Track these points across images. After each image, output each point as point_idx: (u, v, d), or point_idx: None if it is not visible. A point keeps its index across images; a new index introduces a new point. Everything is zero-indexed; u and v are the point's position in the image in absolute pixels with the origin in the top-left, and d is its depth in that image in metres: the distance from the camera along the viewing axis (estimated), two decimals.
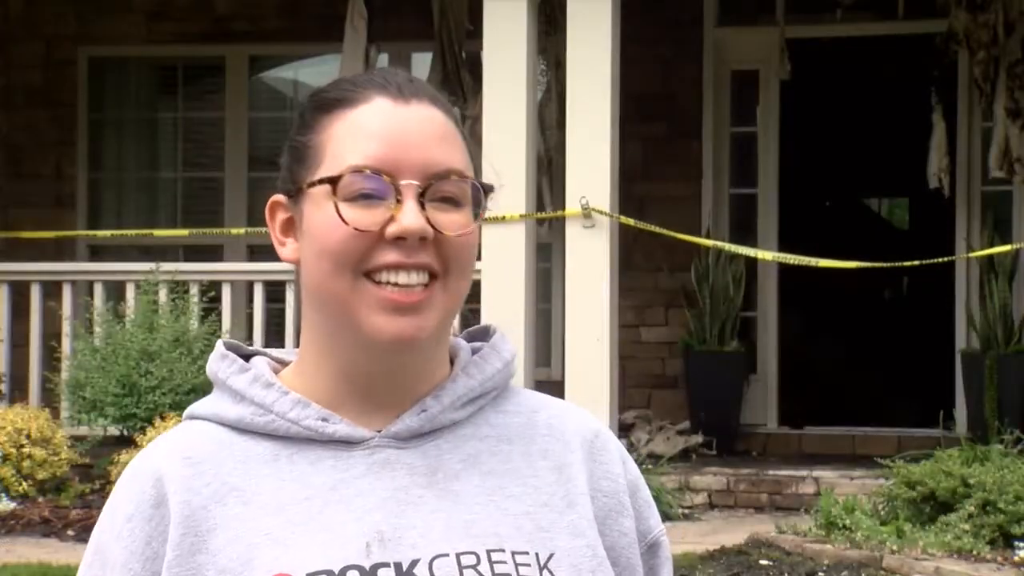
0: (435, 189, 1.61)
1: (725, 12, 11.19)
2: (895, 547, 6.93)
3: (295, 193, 1.66)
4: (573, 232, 8.23)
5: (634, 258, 10.64)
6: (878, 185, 16.68)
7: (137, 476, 1.64)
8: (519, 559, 1.60)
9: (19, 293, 9.86)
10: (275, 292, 9.50)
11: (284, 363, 1.73)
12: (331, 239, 1.60)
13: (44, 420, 8.59)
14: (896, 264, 9.22)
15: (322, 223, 1.61)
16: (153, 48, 11.80)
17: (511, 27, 8.32)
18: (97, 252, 11.62)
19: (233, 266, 10.24)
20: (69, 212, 11.69)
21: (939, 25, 10.50)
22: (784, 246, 10.67)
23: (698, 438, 10.21)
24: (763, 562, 7.00)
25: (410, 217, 1.59)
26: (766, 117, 11.11)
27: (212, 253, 11.31)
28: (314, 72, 12.05)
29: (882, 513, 7.63)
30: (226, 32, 11.65)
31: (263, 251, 11.49)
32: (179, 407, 8.66)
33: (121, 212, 11.98)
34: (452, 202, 1.62)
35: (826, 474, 9.06)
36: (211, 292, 9.43)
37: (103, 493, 8.24)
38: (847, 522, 7.34)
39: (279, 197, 1.69)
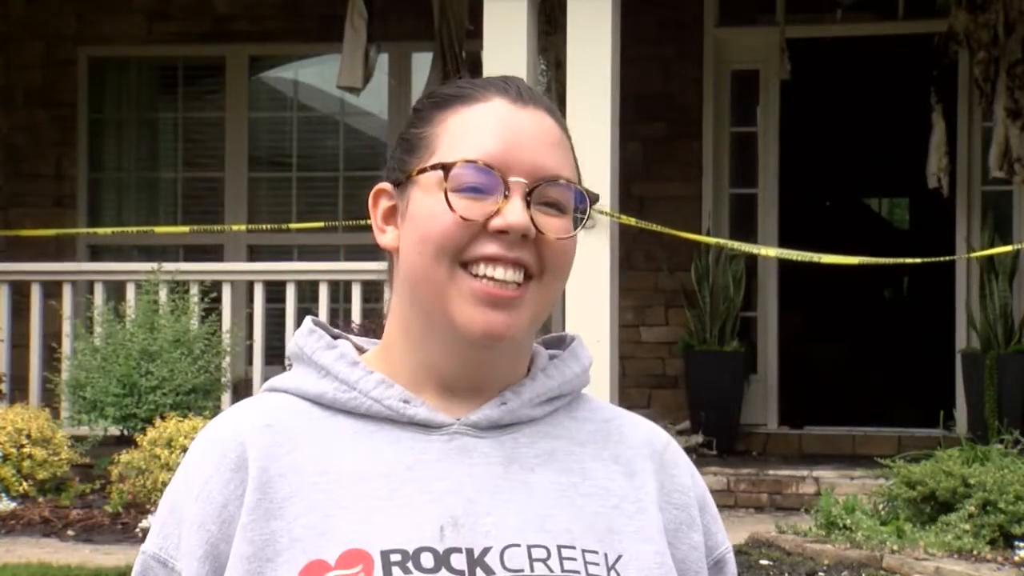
0: (542, 191, 1.64)
1: (725, 12, 11.19)
2: (895, 547, 6.94)
3: (403, 181, 1.68)
4: None
5: (634, 258, 10.64)
6: (878, 185, 16.68)
7: (218, 439, 1.66)
8: (589, 557, 1.62)
9: (19, 293, 9.86)
10: (275, 292, 9.50)
11: (363, 350, 1.75)
12: (436, 225, 1.62)
13: (44, 420, 8.58)
14: (898, 260, 9.21)
15: (428, 209, 1.64)
16: (153, 48, 11.80)
17: (511, 27, 8.32)
18: (97, 252, 11.63)
19: (233, 266, 10.24)
20: (69, 212, 11.69)
21: (939, 25, 10.50)
22: (784, 246, 10.65)
23: (698, 438, 10.21)
24: (763, 562, 7.00)
25: (515, 213, 1.62)
26: (766, 117, 11.11)
27: (212, 253, 11.32)
28: (314, 72, 12.05)
29: (882, 513, 7.63)
30: (226, 32, 11.65)
31: (263, 251, 11.50)
32: (180, 407, 8.66)
33: (121, 212, 11.98)
34: (556, 207, 1.65)
35: (826, 474, 9.06)
36: (212, 292, 9.42)
37: (103, 493, 8.24)
38: (847, 522, 7.34)
39: (384, 185, 1.71)
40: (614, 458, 1.71)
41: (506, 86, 1.68)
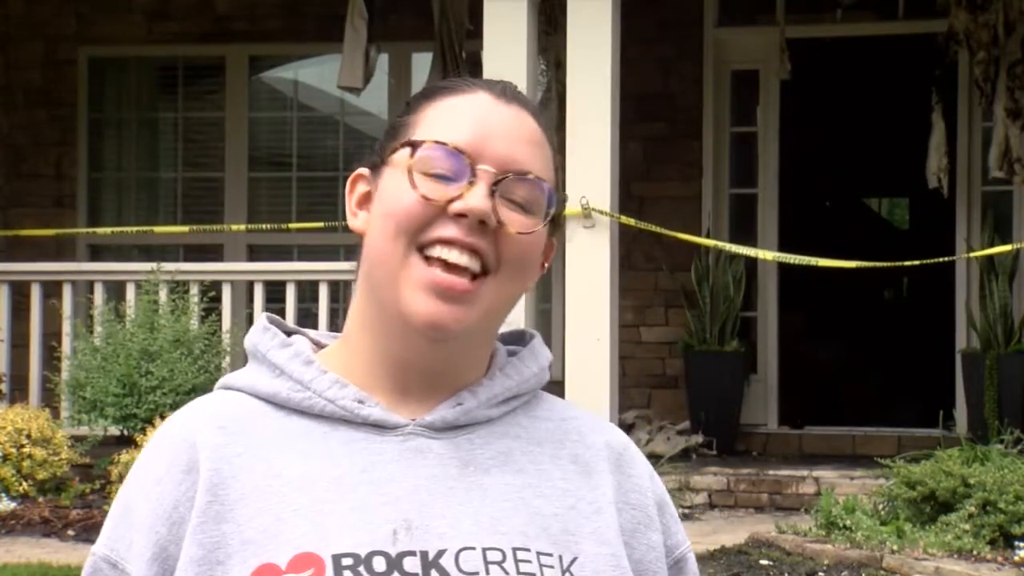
0: (509, 185, 1.62)
1: (725, 12, 11.19)
2: (895, 547, 6.93)
3: (379, 165, 1.69)
4: (573, 232, 8.23)
5: (634, 258, 10.64)
6: (878, 185, 16.69)
7: (170, 440, 1.66)
8: (543, 560, 1.60)
9: (19, 293, 9.86)
10: (275, 292, 9.50)
11: (322, 345, 1.73)
12: (399, 203, 1.62)
13: (44, 420, 8.58)
14: (897, 264, 9.22)
15: (394, 188, 1.63)
16: (153, 48, 11.80)
17: (511, 27, 8.31)
18: (97, 252, 11.63)
19: (233, 266, 10.23)
20: (69, 212, 11.69)
21: (939, 25, 10.50)
22: (784, 246, 10.67)
23: (698, 438, 10.21)
24: (763, 562, 7.00)
25: (477, 198, 1.60)
26: (766, 117, 11.11)
27: (212, 253, 11.32)
28: (314, 72, 12.05)
29: (882, 513, 7.63)
30: (226, 32, 11.65)
31: (263, 251, 11.50)
32: (179, 407, 8.61)
33: (121, 212, 11.98)
34: (523, 208, 1.63)
35: (826, 474, 9.06)
36: (211, 292, 9.43)
37: (103, 493, 8.24)
38: (847, 522, 7.34)
39: (362, 170, 1.71)
40: (572, 458, 1.68)
41: (492, 83, 1.69)
